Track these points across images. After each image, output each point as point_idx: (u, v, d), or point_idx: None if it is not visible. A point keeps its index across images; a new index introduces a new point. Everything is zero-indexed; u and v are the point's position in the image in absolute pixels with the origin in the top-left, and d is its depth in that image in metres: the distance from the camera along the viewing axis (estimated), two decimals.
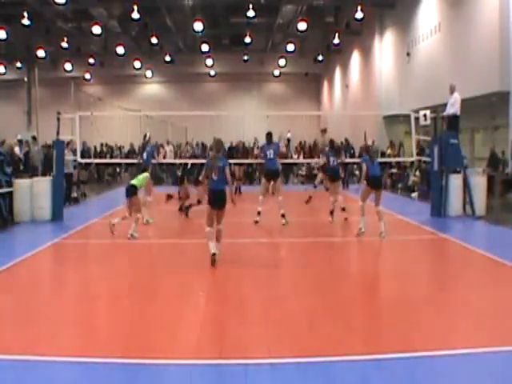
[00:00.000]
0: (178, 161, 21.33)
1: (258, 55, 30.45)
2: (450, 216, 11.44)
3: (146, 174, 9.81)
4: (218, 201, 7.08)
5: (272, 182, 11.00)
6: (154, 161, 12.53)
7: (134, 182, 9.56)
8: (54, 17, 23.24)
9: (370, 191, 9.56)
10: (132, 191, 9.38)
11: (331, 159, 11.36)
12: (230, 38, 28.79)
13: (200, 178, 7.92)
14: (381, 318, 5.16)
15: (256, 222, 10.69)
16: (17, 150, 13.61)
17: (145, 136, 12.88)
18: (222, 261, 7.71)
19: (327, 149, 11.83)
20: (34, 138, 15.47)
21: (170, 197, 13.74)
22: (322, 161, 12.94)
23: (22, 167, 12.84)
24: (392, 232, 9.71)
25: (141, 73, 31.49)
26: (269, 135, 10.90)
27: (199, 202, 11.32)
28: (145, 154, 12.05)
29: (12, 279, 6.70)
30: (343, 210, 11.40)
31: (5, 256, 7.76)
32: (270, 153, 10.70)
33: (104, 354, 4.19)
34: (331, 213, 11.08)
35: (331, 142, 11.92)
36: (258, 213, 10.71)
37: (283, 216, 10.59)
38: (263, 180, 11.17)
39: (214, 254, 7.00)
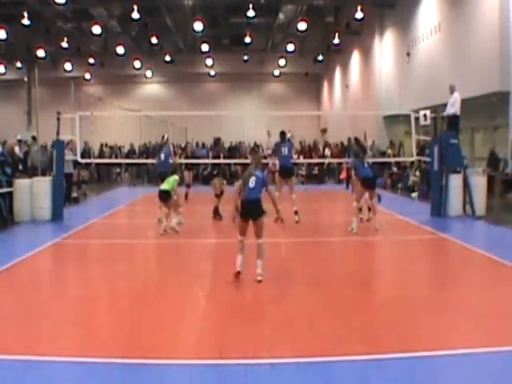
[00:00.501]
0: (177, 161, 21.29)
1: (258, 55, 30.44)
2: (450, 216, 11.44)
3: (175, 177, 9.74)
4: (251, 210, 6.45)
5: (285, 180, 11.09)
6: (170, 161, 12.39)
7: (164, 186, 9.53)
8: (54, 17, 23.23)
9: (364, 192, 9.80)
10: (164, 197, 9.47)
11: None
12: (230, 38, 28.78)
13: (235, 193, 6.89)
14: (381, 318, 5.15)
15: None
16: (17, 149, 13.62)
17: (163, 137, 12.82)
18: (222, 260, 7.72)
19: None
20: (33, 138, 15.47)
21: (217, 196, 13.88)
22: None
23: (21, 167, 12.84)
24: (392, 232, 9.73)
25: (141, 73, 31.47)
26: (283, 133, 11.03)
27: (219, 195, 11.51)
28: (162, 155, 11.84)
29: (12, 279, 6.70)
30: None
31: (5, 256, 7.76)
32: (285, 150, 10.83)
33: (104, 354, 4.19)
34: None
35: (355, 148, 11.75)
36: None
37: (296, 213, 10.74)
38: (278, 178, 11.27)
39: (238, 272, 6.36)
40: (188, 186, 15.15)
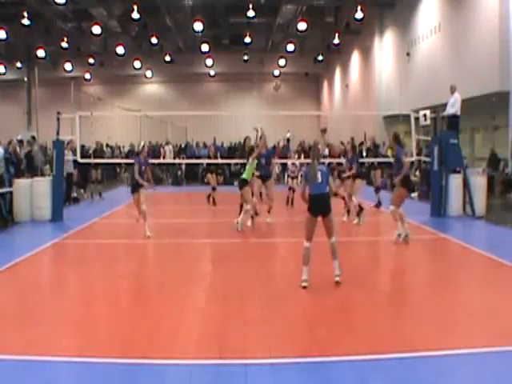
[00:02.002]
0: (178, 161, 21.33)
1: (258, 55, 30.45)
2: (450, 216, 11.43)
3: (252, 166, 10.09)
4: (321, 205, 6.08)
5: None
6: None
7: (244, 175, 9.99)
8: (54, 17, 23.23)
9: (407, 195, 8.82)
10: (242, 184, 9.90)
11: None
12: (230, 38, 28.79)
13: (302, 192, 6.36)
14: (380, 317, 5.15)
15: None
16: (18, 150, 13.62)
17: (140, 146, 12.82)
18: (222, 260, 7.72)
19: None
20: (33, 138, 15.47)
21: (210, 198, 13.90)
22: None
23: (22, 167, 12.85)
24: (392, 232, 9.70)
25: (141, 73, 31.48)
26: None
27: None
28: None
29: (12, 279, 6.70)
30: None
31: (5, 256, 7.76)
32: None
33: (104, 353, 4.19)
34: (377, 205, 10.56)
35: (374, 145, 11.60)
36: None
37: None
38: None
39: (304, 287, 5.96)
40: (214, 188, 14.30)
